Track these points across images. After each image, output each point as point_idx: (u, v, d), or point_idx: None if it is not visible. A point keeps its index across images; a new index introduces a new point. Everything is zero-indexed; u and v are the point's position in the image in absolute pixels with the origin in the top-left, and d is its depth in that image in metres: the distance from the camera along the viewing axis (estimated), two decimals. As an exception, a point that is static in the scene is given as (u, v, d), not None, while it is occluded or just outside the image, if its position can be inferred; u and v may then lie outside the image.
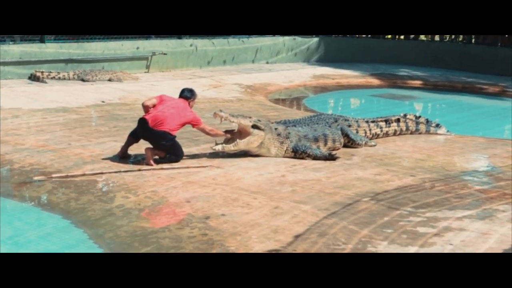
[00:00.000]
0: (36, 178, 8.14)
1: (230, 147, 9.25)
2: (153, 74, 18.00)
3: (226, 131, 9.49)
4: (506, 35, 24.18)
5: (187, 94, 9.31)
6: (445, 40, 26.27)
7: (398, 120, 11.85)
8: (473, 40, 24.94)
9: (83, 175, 8.21)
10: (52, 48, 16.25)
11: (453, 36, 26.82)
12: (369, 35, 26.01)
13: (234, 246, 6.17)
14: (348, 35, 25.22)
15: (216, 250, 6.08)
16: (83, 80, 15.69)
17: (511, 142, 12.12)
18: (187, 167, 8.75)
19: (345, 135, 10.53)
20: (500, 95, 19.89)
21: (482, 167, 10.15)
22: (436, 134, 12.20)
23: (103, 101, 13.48)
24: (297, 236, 6.45)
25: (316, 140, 10.03)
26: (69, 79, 15.68)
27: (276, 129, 9.65)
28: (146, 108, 9.03)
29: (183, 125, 9.08)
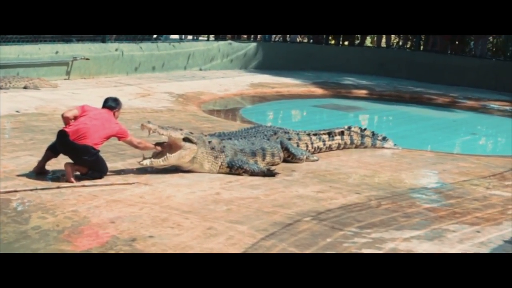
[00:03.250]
0: None
1: (159, 162, 9.20)
2: (74, 81, 17.79)
3: (157, 144, 9.45)
4: (457, 42, 24.84)
5: (112, 104, 9.24)
6: (392, 47, 26.78)
7: (342, 133, 12.00)
8: (421, 47, 25.47)
9: (-5, 193, 8.07)
10: (-41, 52, 15.92)
11: (400, 43, 27.39)
12: (311, 41, 26.31)
13: (164, 271, 6.14)
14: (288, 41, 25.45)
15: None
16: (-5, 87, 15.41)
17: (461, 157, 12.44)
18: (112, 184, 8.67)
19: (285, 149, 10.61)
20: (450, 106, 20.38)
21: (431, 184, 10.36)
22: (383, 148, 12.40)
23: (17, 111, 13.27)
24: (232, 260, 6.46)
25: (253, 154, 10.07)
26: (-21, 86, 15.39)
27: (210, 142, 9.66)
28: (66, 120, 8.92)
29: (107, 138, 9.00)
